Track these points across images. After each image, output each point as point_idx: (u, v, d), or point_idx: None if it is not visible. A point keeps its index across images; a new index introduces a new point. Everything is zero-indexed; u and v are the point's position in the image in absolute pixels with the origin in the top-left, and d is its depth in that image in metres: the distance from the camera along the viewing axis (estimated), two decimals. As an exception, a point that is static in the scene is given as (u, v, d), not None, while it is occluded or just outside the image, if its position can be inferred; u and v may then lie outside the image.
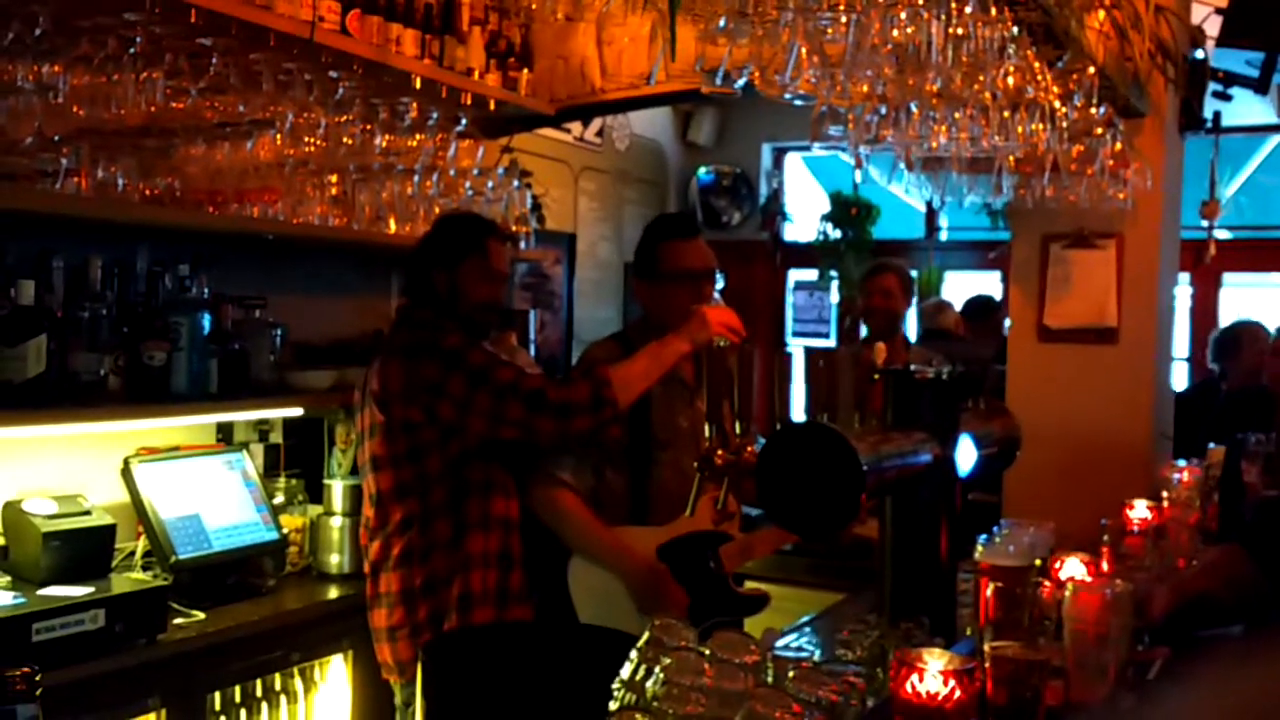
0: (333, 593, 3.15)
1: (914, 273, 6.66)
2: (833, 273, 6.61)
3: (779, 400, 2.30)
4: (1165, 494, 2.61)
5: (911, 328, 6.62)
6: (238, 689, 2.89)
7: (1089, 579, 1.80)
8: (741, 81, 2.18)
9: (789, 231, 6.97)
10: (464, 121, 3.56)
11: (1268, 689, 0.74)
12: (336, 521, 3.27)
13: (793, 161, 7.12)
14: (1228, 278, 6.17)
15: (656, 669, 1.56)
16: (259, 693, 2.96)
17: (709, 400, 2.27)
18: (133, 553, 2.97)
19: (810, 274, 6.81)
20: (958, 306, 5.90)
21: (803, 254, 6.79)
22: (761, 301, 6.84)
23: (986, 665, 1.56)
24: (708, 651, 1.58)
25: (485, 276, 2.80)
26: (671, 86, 3.24)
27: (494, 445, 2.69)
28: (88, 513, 2.73)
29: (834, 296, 6.76)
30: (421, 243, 2.90)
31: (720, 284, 2.97)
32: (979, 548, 1.80)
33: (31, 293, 2.58)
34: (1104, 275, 3.31)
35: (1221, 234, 6.07)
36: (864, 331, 6.50)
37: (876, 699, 1.73)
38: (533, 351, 4.36)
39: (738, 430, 2.27)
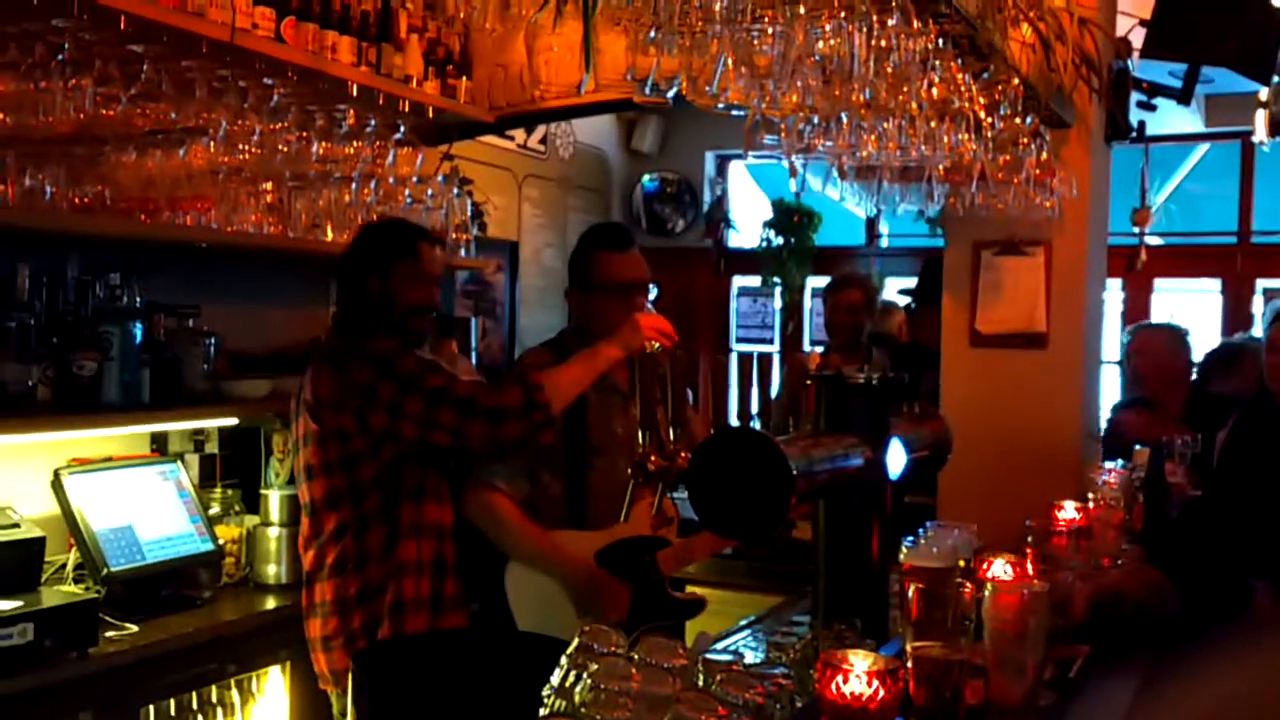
0: (270, 603, 3.13)
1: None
2: (776, 279, 6.67)
3: (718, 405, 2.33)
4: (1091, 495, 2.67)
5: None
6: (173, 702, 2.86)
7: (1010, 579, 1.84)
8: (672, 92, 2.21)
9: (733, 239, 7.02)
10: (402, 129, 3.55)
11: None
12: (274, 531, 3.25)
13: (736, 169, 7.18)
14: (1159, 283, 6.31)
15: (584, 674, 1.57)
16: (195, 705, 2.93)
17: (642, 406, 2.30)
18: (64, 565, 2.93)
19: (754, 281, 6.86)
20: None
21: (746, 261, 6.84)
22: (705, 308, 6.88)
23: (909, 665, 1.59)
24: (636, 656, 1.60)
25: (418, 279, 2.80)
26: (603, 96, 3.25)
27: (427, 451, 2.69)
28: (16, 525, 2.70)
29: (777, 303, 6.82)
30: (350, 250, 2.89)
31: (654, 294, 2.99)
32: (904, 550, 1.83)
33: (-44, 303, 2.55)
34: (1033, 281, 3.38)
35: (1153, 240, 6.21)
36: (807, 342, 6.62)
37: (806, 701, 1.75)
38: (474, 360, 4.36)
39: (672, 436, 2.30)
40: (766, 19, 1.93)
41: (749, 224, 6.95)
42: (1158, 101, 3.76)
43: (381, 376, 2.61)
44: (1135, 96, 3.63)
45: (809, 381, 2.34)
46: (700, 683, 1.60)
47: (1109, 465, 2.95)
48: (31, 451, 2.96)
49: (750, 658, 2.17)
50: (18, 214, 2.67)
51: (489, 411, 2.60)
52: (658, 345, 2.64)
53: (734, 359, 6.99)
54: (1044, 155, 2.88)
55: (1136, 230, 6.08)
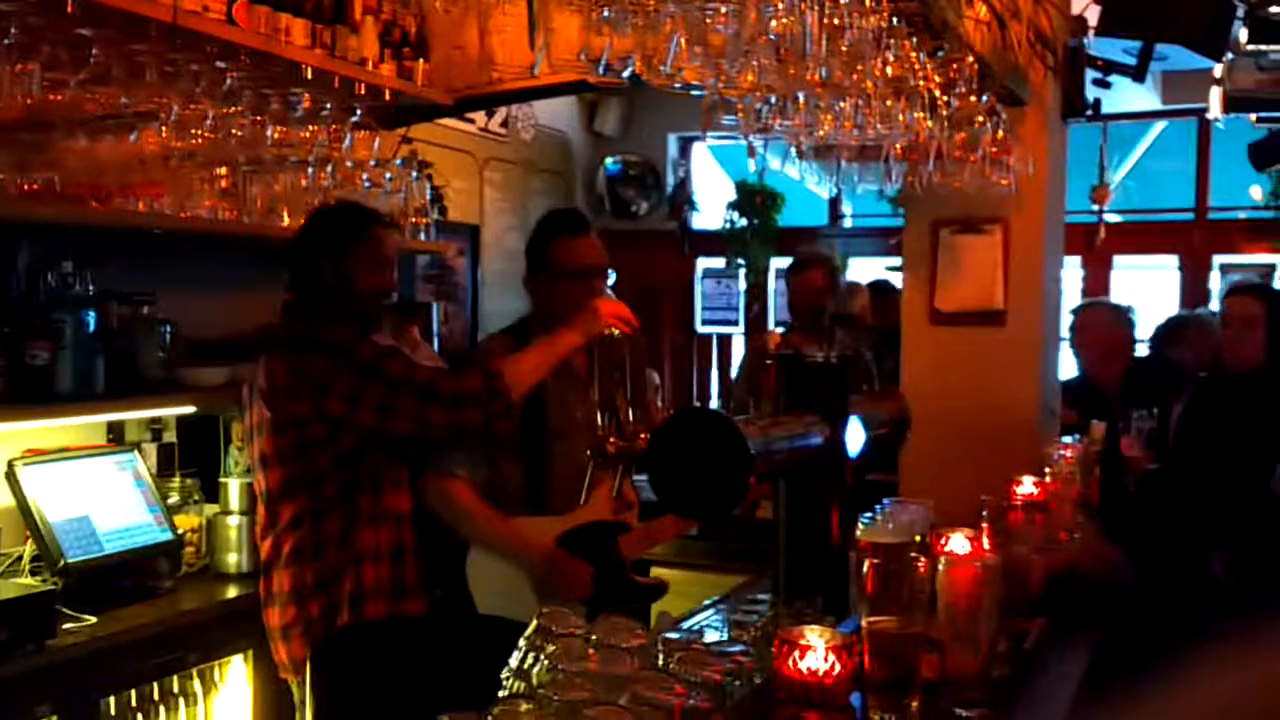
0: (231, 592, 3.11)
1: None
2: (740, 260, 6.68)
3: (681, 387, 2.33)
4: (1049, 470, 2.70)
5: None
6: (133, 693, 2.83)
7: (966, 553, 1.85)
8: (627, 72, 2.19)
9: (696, 220, 7.02)
10: (359, 112, 3.52)
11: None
12: (234, 520, 3.22)
13: (699, 151, 7.17)
14: (1118, 260, 6.37)
15: (542, 656, 1.57)
16: (156, 696, 2.91)
17: (601, 389, 2.29)
18: (20, 557, 2.90)
19: (718, 262, 6.87)
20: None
21: (710, 242, 6.84)
22: (670, 290, 6.88)
23: (864, 640, 1.60)
24: (594, 637, 1.60)
25: (373, 264, 2.78)
26: (558, 78, 3.23)
27: (386, 439, 2.68)
28: (-31, 518, 2.66)
29: (742, 284, 6.83)
30: (301, 235, 2.85)
31: (612, 279, 2.98)
32: (860, 526, 1.85)
33: (-98, 292, 2.50)
34: (991, 259, 3.40)
35: (1111, 218, 6.27)
36: (772, 323, 6.62)
37: (766, 678, 1.76)
38: (436, 345, 4.33)
39: (631, 418, 2.30)
40: (719, -2, 1.92)
41: (713, 205, 6.95)
42: (1114, 79, 3.79)
43: (338, 366, 2.59)
44: (1091, 74, 3.65)
45: (768, 361, 2.35)
46: (659, 663, 1.61)
47: (1066, 440, 2.98)
48: (-16, 442, 2.92)
49: (711, 637, 2.18)
50: (-35, 201, 2.63)
51: (449, 398, 2.59)
52: (617, 332, 2.64)
53: (696, 340, 7.00)
54: (1000, 133, 2.90)
55: (1095, 207, 6.14)
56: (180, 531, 3.16)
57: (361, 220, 2.82)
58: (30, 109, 2.67)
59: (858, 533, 1.85)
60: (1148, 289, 6.32)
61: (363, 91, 3.46)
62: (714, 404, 6.89)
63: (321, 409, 2.59)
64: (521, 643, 1.63)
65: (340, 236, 2.76)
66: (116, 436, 3.30)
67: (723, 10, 1.96)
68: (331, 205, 2.99)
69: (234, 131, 3.16)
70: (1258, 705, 0.68)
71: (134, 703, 2.84)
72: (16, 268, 2.87)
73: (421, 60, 3.69)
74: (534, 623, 1.65)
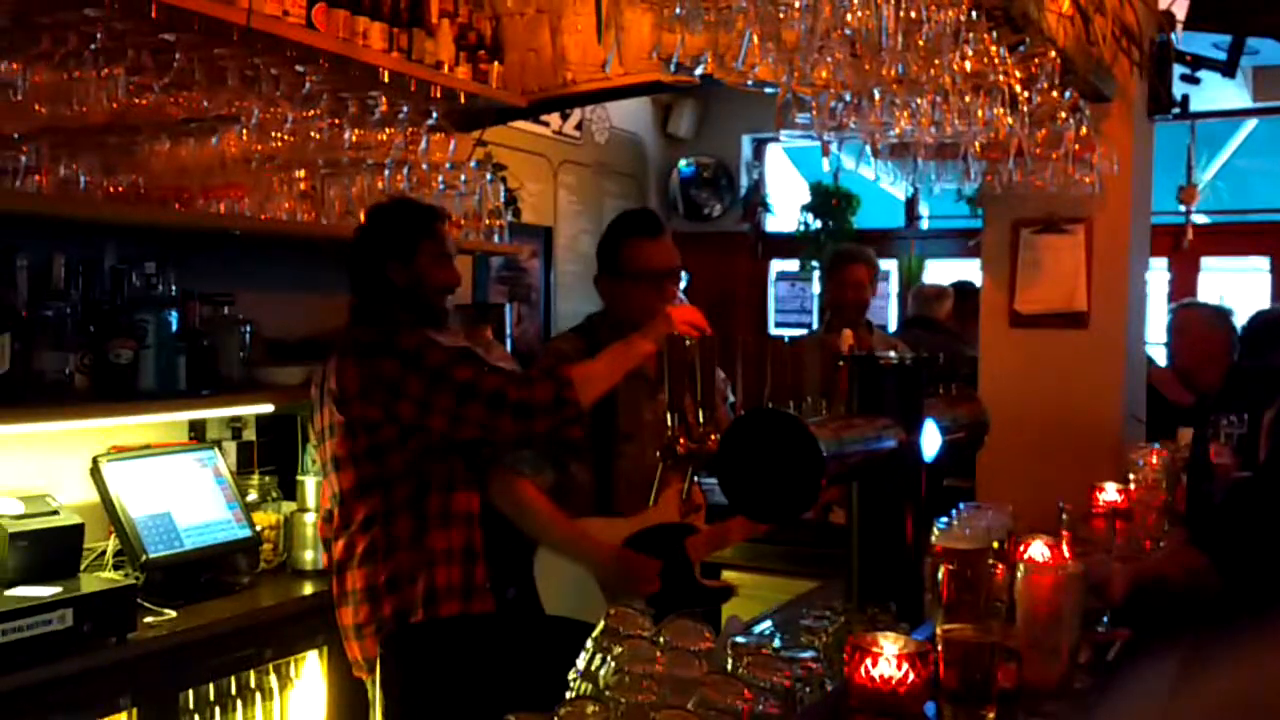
0: (307, 589, 3.15)
1: (894, 261, 6.70)
2: (814, 263, 6.61)
3: (752, 389, 2.31)
4: (1133, 476, 2.62)
5: (893, 313, 6.64)
6: (211, 687, 2.88)
7: (1048, 561, 1.80)
8: (699, 70, 2.18)
9: (770, 223, 6.98)
10: (434, 115, 3.55)
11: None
12: (310, 518, 3.26)
13: (774, 152, 7.12)
14: (1206, 262, 6.19)
15: (610, 658, 1.56)
16: (233, 690, 2.96)
17: (671, 390, 2.27)
18: (103, 552, 2.96)
19: (792, 265, 6.81)
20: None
21: (784, 245, 6.79)
22: (743, 293, 6.84)
23: (939, 648, 1.56)
24: (662, 640, 1.58)
25: (440, 260, 2.78)
26: (631, 78, 3.23)
27: (454, 442, 2.69)
28: (55, 512, 2.72)
29: (816, 287, 6.76)
30: (362, 237, 2.84)
31: (684, 281, 2.96)
32: (936, 531, 1.80)
33: (-7, 292, 2.57)
34: (1073, 260, 3.32)
35: (1200, 219, 6.09)
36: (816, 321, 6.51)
37: (837, 685, 1.73)
38: (509, 345, 4.35)
39: (701, 419, 2.27)
40: (792, -8, 1.89)
41: (787, 207, 6.90)
42: (1203, 75, 3.67)
43: (409, 370, 2.59)
44: (1178, 70, 3.55)
45: (840, 363, 2.31)
46: (728, 667, 1.58)
47: (1151, 447, 2.89)
48: (70, 439, 2.99)
49: (781, 642, 2.15)
50: (53, 203, 2.69)
51: (518, 406, 2.59)
52: (689, 339, 2.61)
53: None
54: (1084, 130, 2.82)
55: (1183, 208, 5.97)
56: (258, 528, 3.21)
57: (425, 219, 2.81)
58: (116, 113, 2.73)
59: (933, 538, 1.81)
60: (1238, 291, 6.12)
61: (438, 94, 3.49)
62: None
63: (392, 412, 2.61)
64: (589, 644, 1.62)
65: (406, 236, 2.76)
66: (198, 434, 3.37)
67: (796, 5, 1.94)
68: (387, 204, 2.97)
69: (312, 134, 3.21)
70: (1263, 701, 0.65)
71: (211, 696, 2.89)
72: (102, 268, 2.94)
73: (496, 63, 3.72)
74: (602, 624, 1.64)
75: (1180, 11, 3.42)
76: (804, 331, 6.77)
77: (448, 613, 2.65)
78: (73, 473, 2.97)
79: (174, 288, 3.04)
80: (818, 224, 6.50)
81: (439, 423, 2.61)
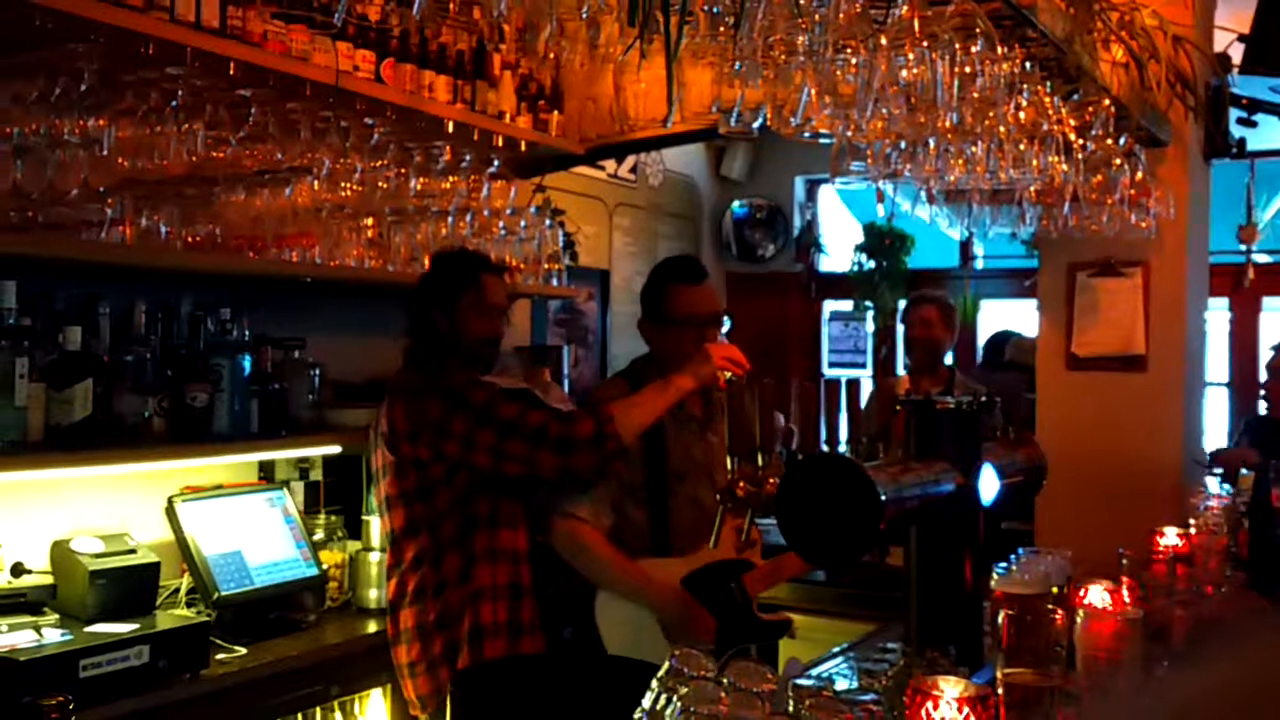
0: (371, 627, 3.21)
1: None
2: (868, 303, 6.62)
3: (814, 430, 2.34)
4: (1194, 521, 2.61)
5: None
6: (279, 723, 2.95)
7: (1108, 606, 1.81)
8: (757, 123, 2.24)
9: (824, 263, 7.00)
10: (496, 163, 3.64)
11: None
12: (375, 557, 3.33)
13: (826, 193, 7.16)
14: (1267, 302, 6.11)
15: (675, 698, 1.59)
16: (300, 727, 3.02)
17: (731, 433, 2.31)
18: (177, 589, 3.05)
19: (845, 305, 6.82)
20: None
21: (837, 285, 6.80)
22: (797, 333, 6.86)
23: (1000, 692, 1.58)
24: (725, 680, 1.62)
25: (481, 312, 2.86)
26: (688, 126, 3.30)
27: (500, 479, 2.75)
28: (133, 551, 2.81)
29: (869, 326, 6.77)
30: (420, 283, 2.96)
31: (727, 325, 3.01)
32: (995, 575, 1.82)
33: (79, 338, 2.68)
34: (1131, 303, 3.32)
35: (1261, 258, 6.02)
36: (900, 366, 6.53)
37: (896, 727, 1.74)
38: (566, 387, 4.41)
39: (759, 462, 2.31)
40: (849, 49, 1.95)
41: (840, 248, 6.92)
42: (1260, 117, 3.67)
43: (453, 409, 2.67)
44: (1235, 113, 3.55)
45: (898, 407, 2.34)
46: (790, 708, 1.61)
47: (1212, 490, 2.88)
48: (145, 480, 3.09)
49: (841, 685, 2.17)
50: (135, 253, 2.81)
51: (559, 441, 2.64)
52: (729, 374, 2.66)
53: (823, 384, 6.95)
54: (1139, 175, 2.84)
55: (1243, 247, 5.91)
56: (325, 567, 3.28)
57: (469, 268, 2.91)
58: (194, 166, 2.85)
59: (993, 582, 1.82)
60: (1301, 332, 6.03)
61: (500, 143, 3.58)
62: (842, 448, 6.82)
63: (439, 451, 2.68)
64: (654, 684, 1.65)
65: (449, 287, 2.86)
66: (267, 475, 3.46)
67: (853, 61, 1.99)
68: (446, 252, 3.08)
69: (380, 184, 3.31)
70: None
71: (280, 733, 2.95)
72: (179, 315, 3.05)
73: (556, 112, 3.81)
74: (666, 664, 1.68)
75: (1236, 55, 3.43)
76: (863, 373, 6.78)
77: (494, 651, 2.69)
78: (148, 512, 3.06)
79: (247, 332, 3.14)
80: (871, 264, 6.52)
81: (483, 459, 2.67)
